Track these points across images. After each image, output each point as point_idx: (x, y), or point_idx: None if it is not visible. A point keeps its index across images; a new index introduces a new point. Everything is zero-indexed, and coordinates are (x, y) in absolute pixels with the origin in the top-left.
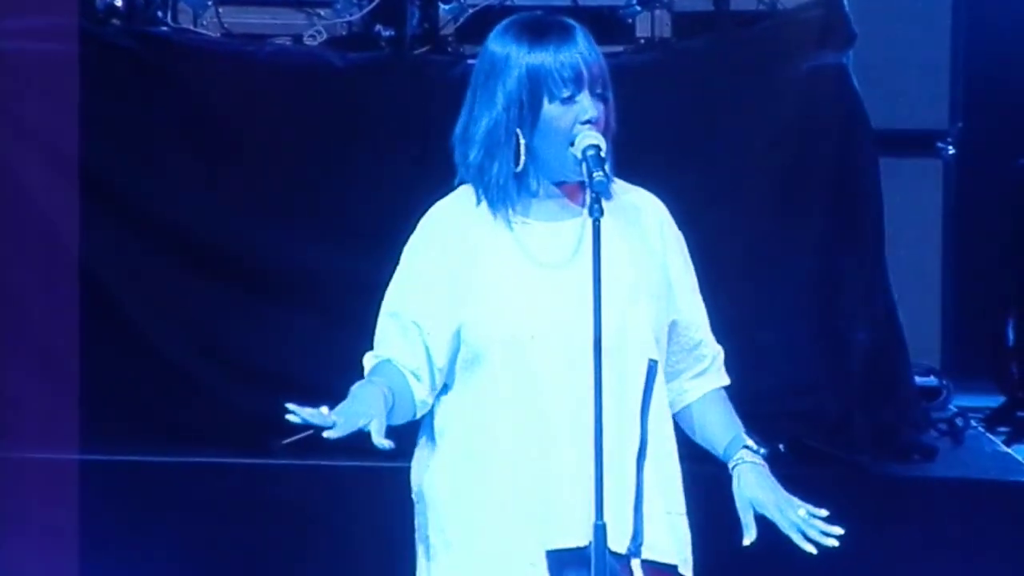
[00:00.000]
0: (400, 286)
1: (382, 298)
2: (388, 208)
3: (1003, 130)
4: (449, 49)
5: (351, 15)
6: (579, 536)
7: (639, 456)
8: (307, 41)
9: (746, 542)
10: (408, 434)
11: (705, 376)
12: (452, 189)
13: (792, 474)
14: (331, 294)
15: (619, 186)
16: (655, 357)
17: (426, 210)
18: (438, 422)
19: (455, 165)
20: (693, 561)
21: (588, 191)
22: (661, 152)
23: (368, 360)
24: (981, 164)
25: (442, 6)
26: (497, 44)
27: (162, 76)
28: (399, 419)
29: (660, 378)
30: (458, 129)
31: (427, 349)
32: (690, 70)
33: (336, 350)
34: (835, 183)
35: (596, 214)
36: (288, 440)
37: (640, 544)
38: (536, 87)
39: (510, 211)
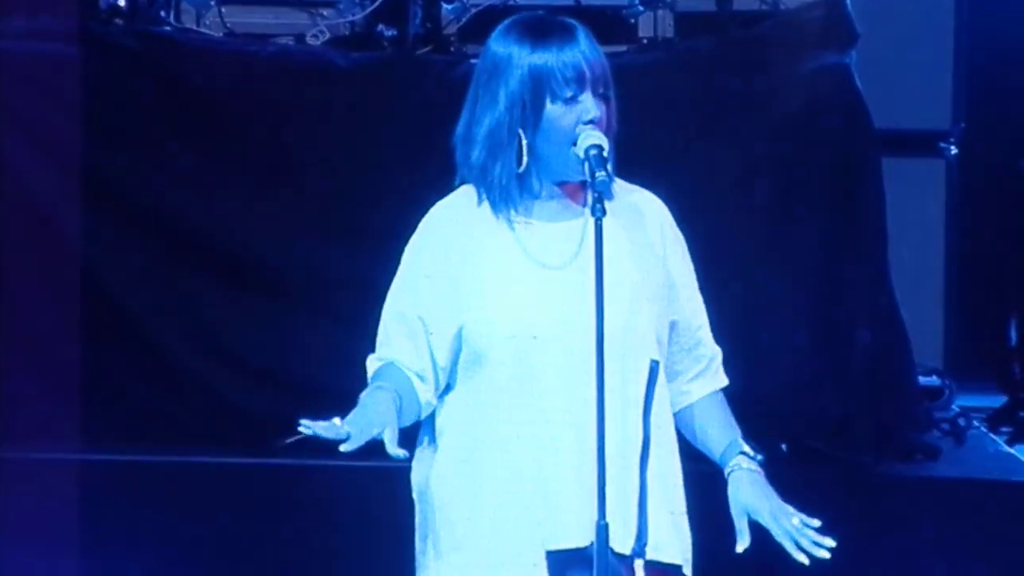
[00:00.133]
0: (403, 287)
1: (385, 298)
2: (391, 208)
3: (1005, 130)
4: (452, 49)
5: (354, 15)
6: (580, 537)
7: (642, 456)
8: (310, 41)
9: (739, 549)
10: (409, 434)
11: (703, 378)
12: (454, 189)
13: (794, 474)
14: (333, 294)
15: (620, 186)
16: (657, 357)
17: (427, 210)
18: (439, 422)
19: (456, 165)
20: (693, 561)
21: (590, 191)
22: (663, 152)
23: (371, 363)
24: (984, 164)
25: (445, 6)
26: (499, 44)
27: (165, 76)
28: (405, 422)
29: (662, 378)
30: (460, 129)
31: (431, 349)
32: (693, 70)
33: (338, 350)
34: (837, 183)
35: (598, 214)
36: (290, 440)
37: (644, 544)
38: (539, 87)
39: (512, 211)
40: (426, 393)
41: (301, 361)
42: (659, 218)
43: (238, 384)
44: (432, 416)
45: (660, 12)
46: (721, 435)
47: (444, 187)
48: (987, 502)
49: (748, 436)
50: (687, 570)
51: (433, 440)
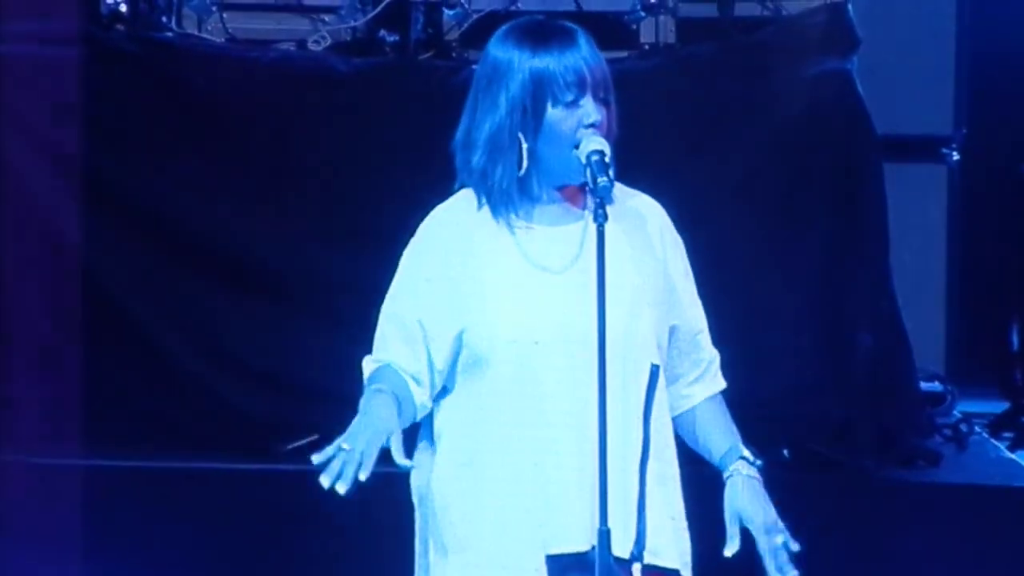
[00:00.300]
0: (401, 290)
1: None
2: (393, 212)
3: (1007, 135)
4: (453, 54)
5: (355, 20)
6: (580, 541)
7: (641, 461)
8: (311, 46)
9: (727, 552)
10: (406, 439)
11: (703, 381)
12: (454, 191)
13: (795, 479)
14: (335, 298)
15: (620, 191)
16: (657, 361)
17: (428, 213)
18: (438, 425)
19: (456, 170)
20: (692, 566)
21: (592, 196)
22: (665, 157)
23: (367, 365)
24: (985, 169)
25: (446, 11)
26: (499, 49)
27: (166, 81)
28: (402, 424)
29: (662, 383)
30: (459, 134)
31: (428, 353)
32: (694, 76)
33: (340, 354)
34: (839, 188)
35: (600, 219)
36: (292, 445)
37: (642, 549)
38: (539, 91)
39: (512, 215)
40: (422, 396)
41: (303, 365)
42: (659, 222)
43: (240, 388)
44: (432, 419)
45: (662, 18)
46: (721, 439)
47: (445, 191)
48: (989, 508)
49: (749, 440)
50: (686, 573)
51: (433, 443)
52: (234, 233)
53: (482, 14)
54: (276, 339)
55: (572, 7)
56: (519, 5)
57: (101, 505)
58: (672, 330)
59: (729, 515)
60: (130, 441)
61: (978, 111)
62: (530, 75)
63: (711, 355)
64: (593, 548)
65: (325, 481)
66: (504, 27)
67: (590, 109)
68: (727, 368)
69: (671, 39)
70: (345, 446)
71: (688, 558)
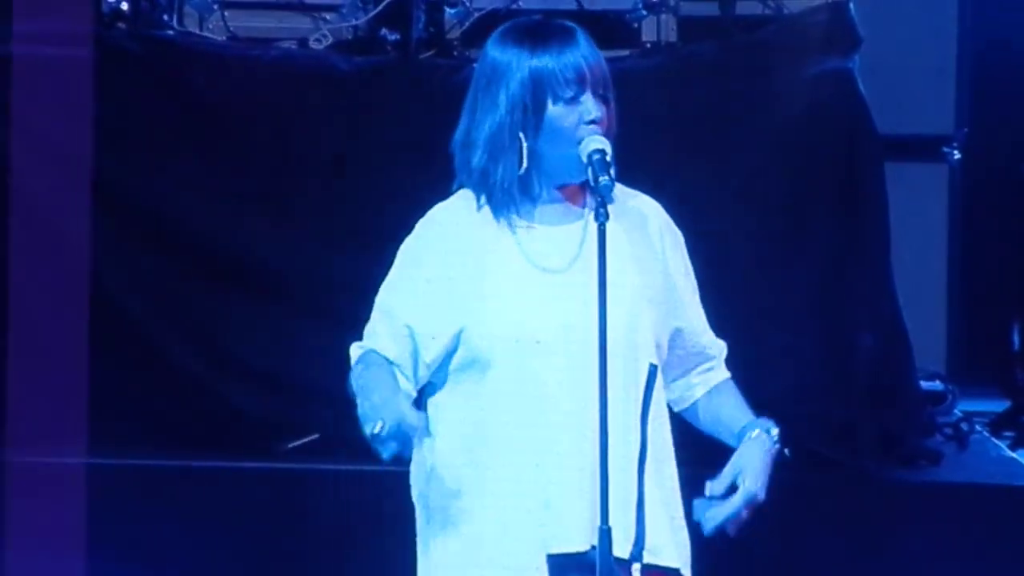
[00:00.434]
0: (395, 286)
1: None
2: (394, 211)
3: (1009, 135)
4: (455, 53)
5: (357, 19)
6: (580, 541)
7: (640, 460)
8: (313, 45)
9: (707, 491)
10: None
11: (713, 371)
12: (453, 191)
13: (797, 479)
14: (337, 298)
15: (620, 190)
16: (656, 361)
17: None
18: (437, 425)
19: (455, 171)
20: (692, 566)
21: (593, 195)
22: (666, 156)
23: (354, 350)
24: (987, 169)
25: (448, 10)
26: (497, 49)
27: (167, 79)
28: None
29: (659, 383)
30: (459, 135)
31: (416, 349)
32: (696, 74)
33: (341, 354)
34: (840, 188)
35: (602, 218)
36: (293, 444)
37: (642, 548)
38: (539, 89)
39: (513, 215)
40: (406, 384)
41: (304, 364)
42: (659, 222)
43: (241, 388)
44: (430, 419)
45: (663, 16)
46: (741, 414)
47: (447, 190)
48: (990, 507)
49: None
50: (686, 572)
51: (433, 443)
52: (235, 232)
53: (483, 13)
54: (277, 338)
55: (573, 6)
56: (520, 4)
57: (104, 504)
58: (677, 332)
59: (729, 466)
60: (132, 440)
61: (979, 110)
62: (529, 73)
63: (719, 348)
64: (593, 548)
65: (386, 453)
66: (502, 27)
67: (590, 106)
68: (728, 367)
69: (672, 38)
70: (376, 429)
71: (688, 557)
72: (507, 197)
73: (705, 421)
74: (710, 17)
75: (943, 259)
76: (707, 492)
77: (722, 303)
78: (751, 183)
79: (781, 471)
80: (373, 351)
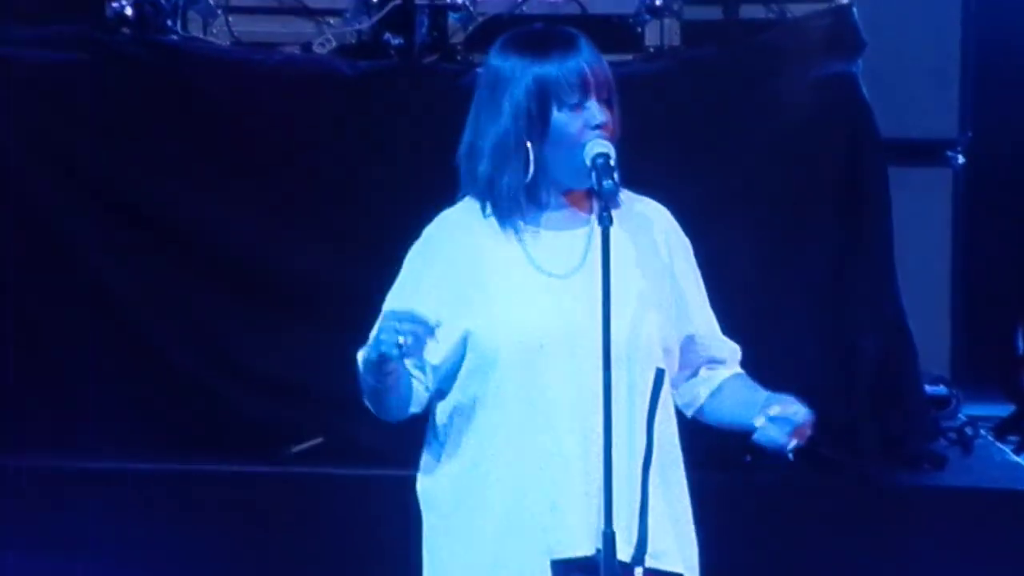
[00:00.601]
0: (401, 292)
1: None
2: (398, 215)
3: (1012, 139)
4: (458, 58)
5: (360, 24)
6: (585, 545)
7: (645, 464)
8: (316, 49)
9: (756, 422)
10: (412, 443)
11: (718, 371)
12: (458, 199)
13: (801, 482)
14: (339, 302)
15: (627, 195)
16: (662, 366)
17: (434, 218)
18: (443, 429)
19: (460, 181)
20: (700, 570)
21: (597, 199)
22: (669, 160)
23: (361, 355)
24: (990, 173)
25: (451, 15)
26: (500, 58)
27: (171, 84)
28: (400, 397)
29: (667, 386)
30: (464, 145)
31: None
32: (699, 78)
33: (344, 359)
34: (844, 192)
35: (606, 223)
36: (297, 448)
37: (644, 552)
38: (544, 96)
39: (519, 221)
40: (418, 384)
41: (307, 369)
42: (665, 227)
43: (246, 392)
44: (435, 423)
45: (666, 21)
46: (756, 395)
47: (451, 195)
48: (994, 511)
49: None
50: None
51: (438, 447)
52: (238, 236)
53: (487, 17)
54: (280, 342)
55: (576, 10)
56: (524, 9)
57: (106, 508)
58: (688, 339)
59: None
60: (135, 444)
61: (983, 114)
62: (533, 81)
63: (729, 350)
64: (598, 552)
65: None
66: (504, 36)
67: (595, 111)
68: None
69: (676, 42)
70: (401, 339)
71: (695, 562)
72: (514, 204)
73: (719, 413)
74: (713, 21)
75: (947, 263)
76: (770, 413)
77: (725, 306)
78: (754, 187)
79: (784, 473)
80: None
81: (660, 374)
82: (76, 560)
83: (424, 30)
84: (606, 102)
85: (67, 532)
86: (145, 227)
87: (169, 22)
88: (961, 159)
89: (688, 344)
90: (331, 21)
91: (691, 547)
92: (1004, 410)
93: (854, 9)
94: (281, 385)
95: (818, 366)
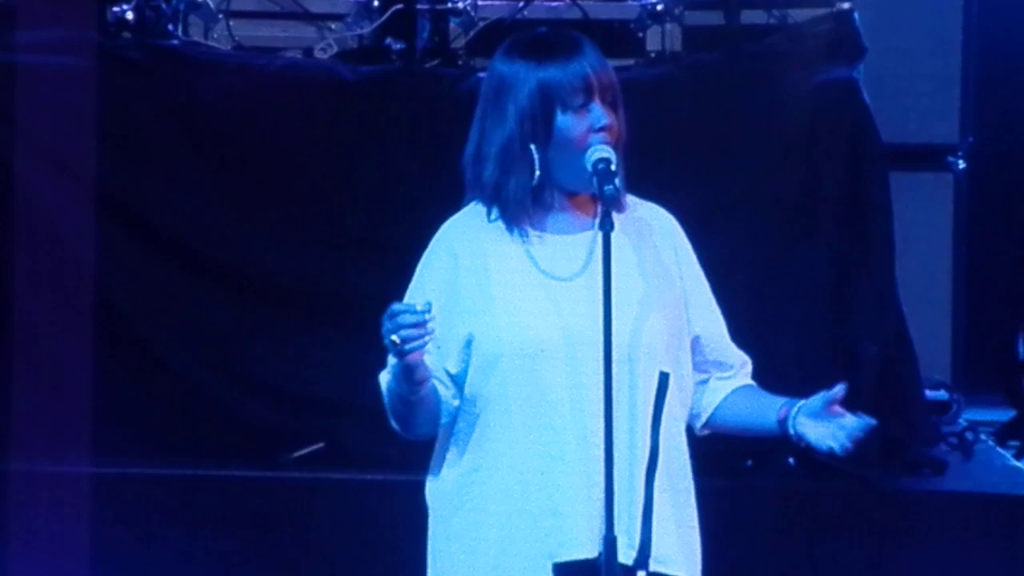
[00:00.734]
0: (410, 300)
1: None
2: (399, 221)
3: (1014, 144)
4: (459, 63)
5: (362, 28)
6: (586, 548)
7: (649, 468)
8: (318, 54)
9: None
10: (412, 448)
11: (734, 378)
12: (462, 201)
13: (801, 488)
14: (342, 308)
15: (631, 200)
16: (666, 369)
17: (437, 223)
18: (448, 432)
19: (466, 186)
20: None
21: (600, 205)
22: (671, 166)
23: (384, 377)
24: (992, 178)
25: (452, 20)
26: (504, 63)
27: (172, 89)
28: (429, 410)
29: (673, 391)
30: (469, 150)
31: (441, 356)
32: (701, 84)
33: (345, 364)
34: (845, 197)
35: (607, 228)
36: (297, 454)
37: (648, 556)
38: (548, 99)
39: (525, 225)
40: (446, 393)
41: (310, 374)
42: (670, 231)
43: (247, 397)
44: (442, 429)
45: (668, 26)
46: (773, 401)
47: (453, 199)
48: (994, 516)
49: (755, 448)
50: None
51: (444, 450)
52: (239, 242)
53: (488, 22)
54: (281, 348)
55: (578, 15)
56: (525, 14)
57: (109, 513)
58: (696, 340)
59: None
60: (137, 449)
61: (984, 120)
62: (537, 85)
63: (740, 359)
64: (600, 555)
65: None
66: (507, 41)
67: (600, 113)
68: None
69: (677, 47)
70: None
71: (698, 569)
72: (520, 208)
73: (733, 418)
74: (715, 26)
75: (948, 268)
76: (837, 391)
77: (725, 311)
78: (756, 192)
79: (786, 480)
80: None
81: (664, 378)
82: (77, 564)
83: (425, 35)
84: (610, 105)
85: (68, 536)
86: (146, 232)
87: (170, 27)
88: (962, 164)
89: (694, 345)
90: (332, 26)
91: (694, 554)
92: (1005, 415)
93: (855, 14)
94: (281, 390)
95: (819, 371)
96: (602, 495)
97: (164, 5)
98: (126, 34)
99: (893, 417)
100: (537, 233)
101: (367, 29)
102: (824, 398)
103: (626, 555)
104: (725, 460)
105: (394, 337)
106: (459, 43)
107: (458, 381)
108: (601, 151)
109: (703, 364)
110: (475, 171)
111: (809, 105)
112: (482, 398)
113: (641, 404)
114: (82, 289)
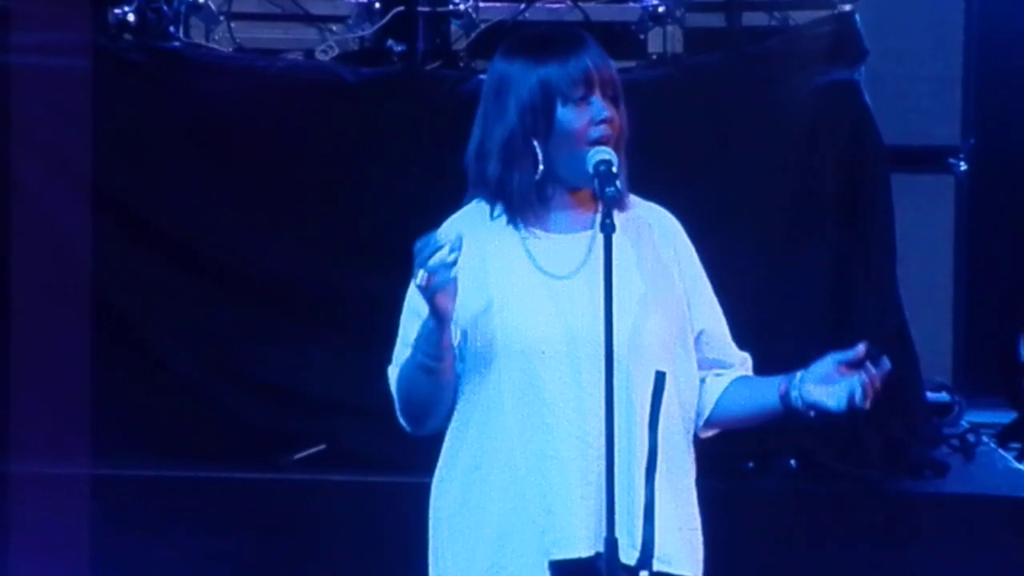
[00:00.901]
0: (413, 298)
1: (393, 313)
2: (401, 223)
3: (1015, 146)
4: (461, 64)
5: (363, 30)
6: (583, 547)
7: (649, 468)
8: (319, 56)
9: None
10: (414, 449)
11: (727, 375)
12: (464, 203)
13: (803, 490)
14: (342, 309)
15: (632, 201)
16: (664, 369)
17: (438, 224)
18: (449, 431)
19: (469, 183)
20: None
21: (600, 205)
22: (672, 167)
23: (392, 371)
24: (993, 180)
25: (454, 22)
26: (504, 60)
27: (174, 91)
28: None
29: (671, 390)
30: (471, 147)
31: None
32: (702, 86)
33: (347, 365)
34: (846, 199)
35: (608, 229)
36: (298, 455)
37: (650, 556)
38: (548, 93)
39: (527, 222)
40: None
41: (311, 376)
42: (670, 231)
43: (248, 399)
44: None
45: (669, 28)
46: (770, 381)
47: (455, 201)
48: (996, 518)
49: (756, 449)
50: None
51: (446, 449)
52: (241, 243)
53: (489, 24)
54: (282, 349)
55: (579, 17)
56: (526, 15)
57: (109, 515)
58: (699, 335)
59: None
60: (137, 451)
61: (986, 121)
62: (537, 79)
63: (740, 358)
64: (597, 555)
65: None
66: (508, 40)
67: (600, 106)
68: None
69: (678, 49)
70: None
71: (700, 569)
72: (525, 203)
73: (737, 407)
74: (716, 28)
75: (949, 270)
76: (859, 348)
77: (726, 312)
78: (756, 194)
79: (787, 482)
80: None
81: (661, 377)
82: (76, 566)
83: (426, 37)
84: (612, 99)
85: (67, 538)
86: (147, 233)
87: (172, 28)
88: (964, 166)
89: (696, 342)
90: (333, 28)
91: (696, 554)
92: (1006, 417)
93: (856, 16)
94: (282, 392)
95: None
96: (597, 494)
97: (165, 7)
98: (127, 36)
99: (894, 419)
100: (538, 231)
101: (368, 31)
102: (835, 359)
103: (628, 555)
104: (726, 462)
105: (420, 277)
106: (460, 45)
107: (462, 363)
108: (601, 153)
109: (704, 362)
110: (478, 168)
111: (810, 107)
112: (480, 397)
113: (638, 404)
114: (82, 290)
